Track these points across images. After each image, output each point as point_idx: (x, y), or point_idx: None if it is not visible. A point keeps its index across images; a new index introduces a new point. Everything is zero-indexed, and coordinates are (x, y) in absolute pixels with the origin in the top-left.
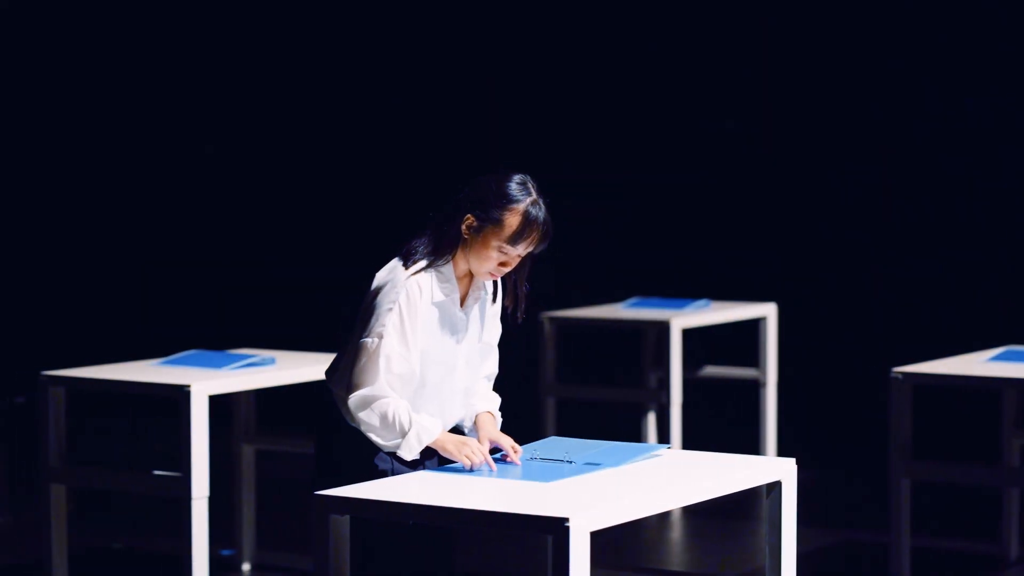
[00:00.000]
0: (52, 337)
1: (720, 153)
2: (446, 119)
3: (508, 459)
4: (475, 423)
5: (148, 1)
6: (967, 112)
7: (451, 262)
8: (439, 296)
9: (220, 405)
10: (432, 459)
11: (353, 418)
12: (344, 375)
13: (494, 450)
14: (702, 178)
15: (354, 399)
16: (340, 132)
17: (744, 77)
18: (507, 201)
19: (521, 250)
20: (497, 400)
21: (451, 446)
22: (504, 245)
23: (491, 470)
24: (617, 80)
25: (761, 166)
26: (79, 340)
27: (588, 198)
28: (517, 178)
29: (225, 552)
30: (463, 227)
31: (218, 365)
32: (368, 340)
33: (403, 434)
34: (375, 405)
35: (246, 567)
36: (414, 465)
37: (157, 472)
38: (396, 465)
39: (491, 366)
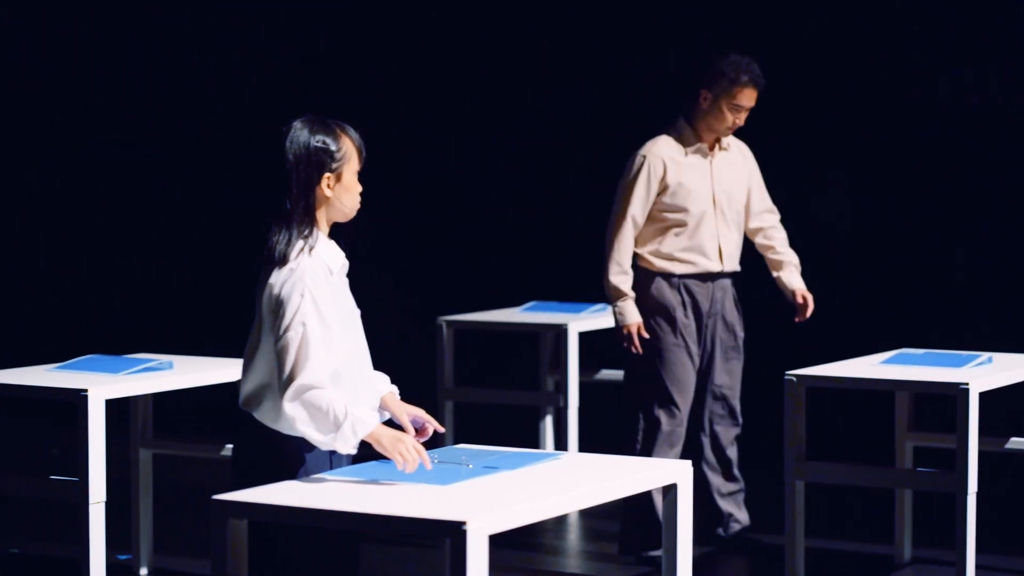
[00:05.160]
0: None
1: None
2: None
3: (426, 433)
4: (383, 404)
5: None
6: (861, 118)
7: (320, 232)
8: (335, 266)
9: (117, 409)
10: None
11: (287, 417)
12: (264, 385)
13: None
14: (601, 184)
15: (289, 394)
16: (240, 131)
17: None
18: (333, 138)
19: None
20: (387, 376)
21: (386, 442)
22: (358, 168)
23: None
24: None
25: None
26: None
27: (485, 203)
28: (307, 121)
29: (122, 557)
30: (324, 187)
31: (115, 370)
32: (292, 333)
33: (337, 426)
34: (308, 395)
35: (143, 572)
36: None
37: (54, 477)
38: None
39: None
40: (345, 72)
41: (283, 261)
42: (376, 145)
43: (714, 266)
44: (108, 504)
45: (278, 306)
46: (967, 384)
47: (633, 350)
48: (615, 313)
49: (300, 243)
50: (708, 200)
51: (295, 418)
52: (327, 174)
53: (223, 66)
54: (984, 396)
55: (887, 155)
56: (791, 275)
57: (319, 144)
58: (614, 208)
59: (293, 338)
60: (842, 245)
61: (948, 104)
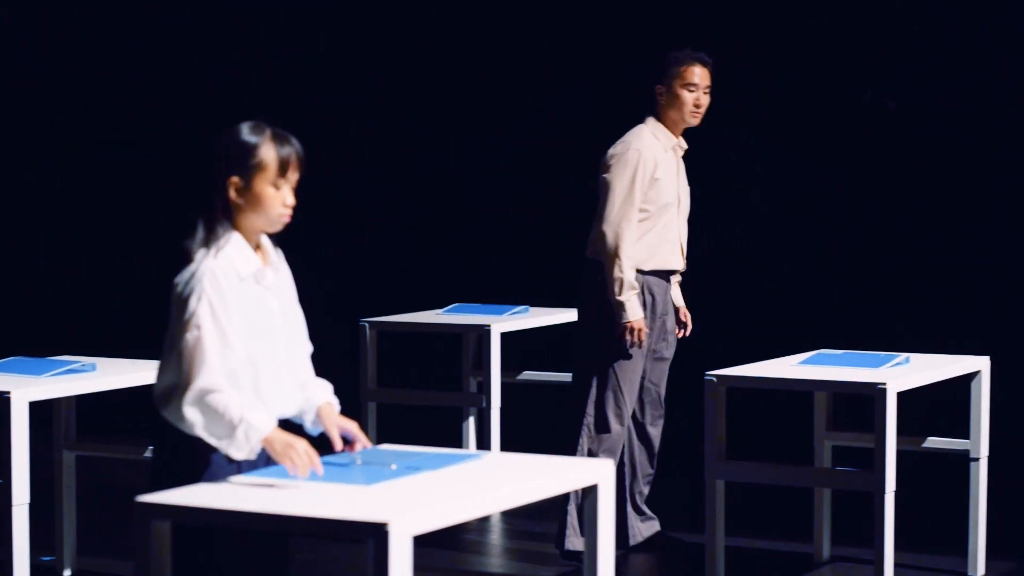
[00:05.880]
0: None
1: (561, 165)
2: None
3: (355, 448)
4: (317, 415)
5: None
6: (775, 123)
7: (236, 234)
8: (244, 271)
9: (40, 411)
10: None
11: (186, 420)
12: (172, 386)
13: (344, 441)
14: (517, 184)
15: (188, 398)
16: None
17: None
18: (253, 142)
19: (292, 179)
20: (330, 386)
21: (278, 446)
22: (277, 180)
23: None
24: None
25: (581, 177)
26: None
27: (407, 205)
28: (247, 124)
29: (45, 559)
30: (231, 193)
31: (38, 372)
32: (188, 336)
33: (231, 431)
34: (206, 399)
35: (67, 573)
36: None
37: None
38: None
39: (308, 342)
40: (345, 72)
41: (188, 259)
42: (376, 145)
43: (677, 264)
44: (31, 506)
45: (178, 308)
46: (884, 384)
47: (634, 345)
48: (623, 307)
49: (208, 243)
50: (675, 197)
51: (193, 422)
52: (232, 177)
53: (223, 66)
54: (901, 396)
55: (818, 156)
56: (677, 290)
57: (229, 146)
58: (614, 202)
59: (188, 341)
60: (758, 246)
61: (940, 105)
